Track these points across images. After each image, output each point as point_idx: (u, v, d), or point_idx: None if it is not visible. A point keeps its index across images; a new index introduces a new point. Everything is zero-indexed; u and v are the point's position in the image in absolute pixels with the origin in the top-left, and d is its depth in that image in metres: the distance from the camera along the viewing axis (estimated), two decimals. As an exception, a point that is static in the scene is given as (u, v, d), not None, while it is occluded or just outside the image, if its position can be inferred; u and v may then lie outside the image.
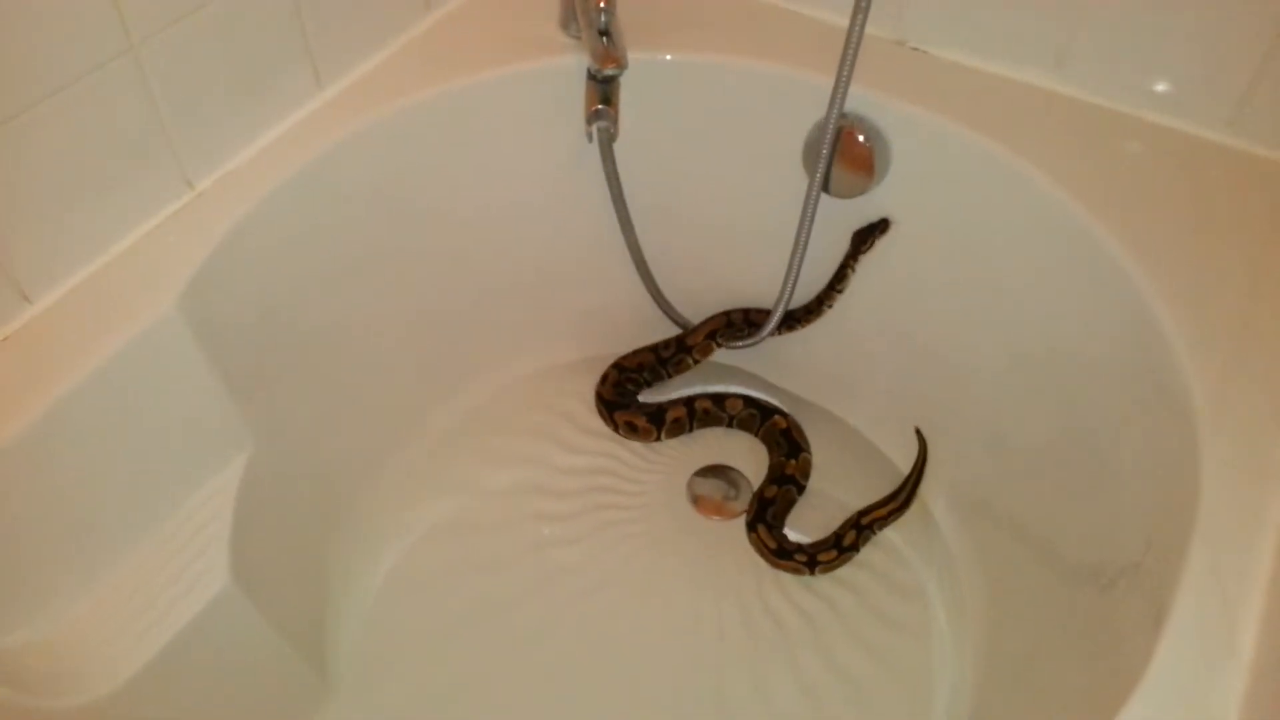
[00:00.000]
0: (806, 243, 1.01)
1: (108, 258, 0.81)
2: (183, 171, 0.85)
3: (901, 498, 1.11)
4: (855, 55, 0.89)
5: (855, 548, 1.09)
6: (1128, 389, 0.85)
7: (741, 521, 1.14)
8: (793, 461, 1.14)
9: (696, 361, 1.21)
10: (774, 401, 1.22)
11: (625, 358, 1.23)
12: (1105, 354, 0.88)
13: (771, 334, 1.10)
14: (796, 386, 1.25)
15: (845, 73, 0.90)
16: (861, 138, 1.00)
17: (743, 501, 1.16)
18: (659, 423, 1.19)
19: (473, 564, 1.10)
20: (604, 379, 1.22)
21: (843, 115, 1.01)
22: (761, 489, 1.13)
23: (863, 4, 0.86)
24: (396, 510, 1.13)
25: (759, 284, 1.15)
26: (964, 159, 0.97)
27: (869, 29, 1.05)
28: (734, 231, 1.16)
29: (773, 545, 1.08)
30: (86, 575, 0.79)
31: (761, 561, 1.10)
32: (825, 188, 1.06)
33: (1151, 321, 0.81)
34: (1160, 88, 0.96)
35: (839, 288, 1.09)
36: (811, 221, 1.00)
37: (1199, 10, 0.89)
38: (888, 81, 0.98)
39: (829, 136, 0.94)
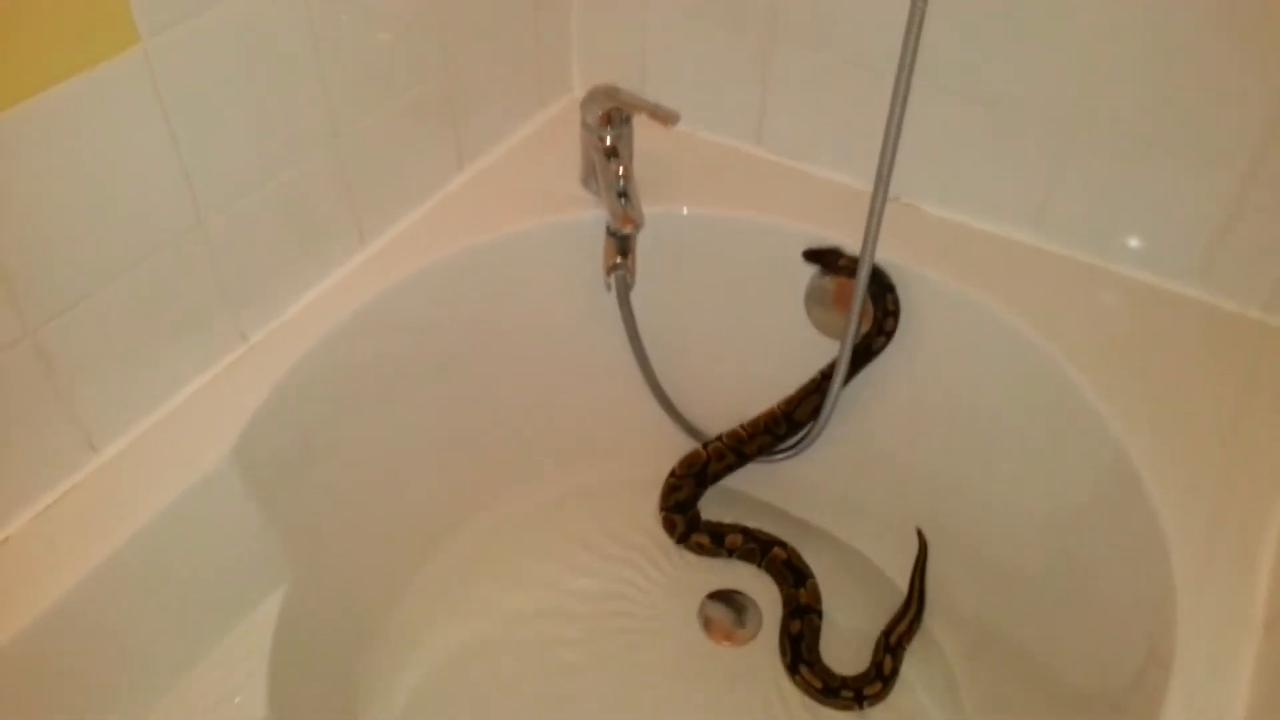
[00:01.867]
0: (842, 385, 1.08)
1: (168, 408, 0.88)
2: (238, 326, 0.93)
3: (914, 604, 1.15)
4: (879, 223, 0.97)
5: (896, 672, 1.12)
6: (1110, 531, 0.91)
7: (752, 647, 1.18)
8: (803, 590, 1.19)
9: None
10: (770, 533, 1.26)
11: (747, 443, 1.21)
12: (1087, 497, 0.94)
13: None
14: (799, 510, 1.31)
15: (871, 239, 0.97)
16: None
17: (752, 627, 1.20)
18: (682, 534, 1.25)
19: (490, 690, 1.14)
20: (721, 458, 1.23)
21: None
22: (785, 626, 1.17)
23: (884, 178, 0.94)
24: (419, 635, 1.17)
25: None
26: (954, 308, 1.04)
27: (863, 186, 1.16)
28: (744, 365, 1.23)
29: (819, 685, 1.11)
30: (134, 711, 0.83)
31: (770, 690, 1.13)
32: (824, 330, 1.15)
33: (1129, 472, 0.87)
34: (1133, 243, 1.04)
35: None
36: (848, 365, 1.06)
37: (1167, 169, 0.98)
38: (882, 234, 1.06)
39: (859, 294, 1.01)
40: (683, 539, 1.26)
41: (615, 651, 1.18)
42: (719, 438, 1.23)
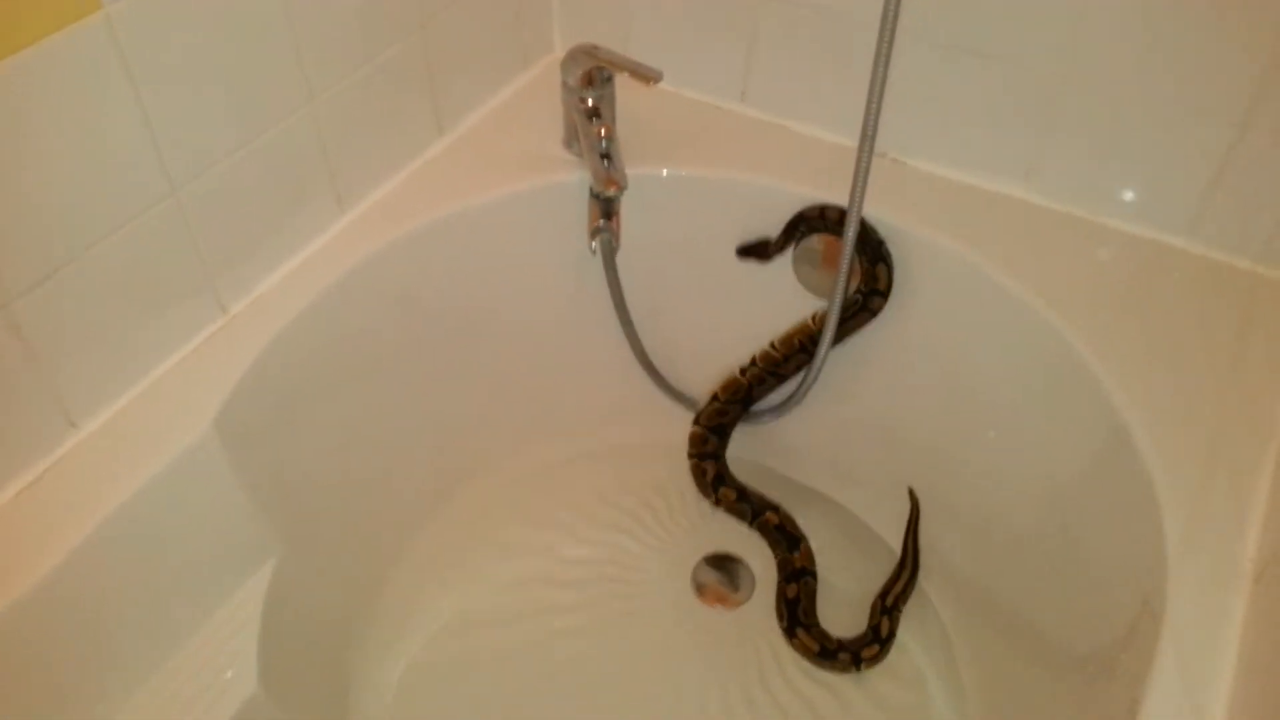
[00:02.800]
0: (830, 345, 1.07)
1: (148, 382, 0.87)
2: (217, 297, 0.91)
3: (909, 565, 1.15)
4: (865, 182, 0.95)
5: (893, 634, 1.12)
6: (1102, 487, 0.90)
7: (745, 609, 1.18)
8: (796, 554, 1.19)
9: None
10: (765, 495, 1.25)
11: (784, 364, 1.15)
12: (1079, 453, 0.94)
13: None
14: (793, 472, 1.30)
15: (858, 196, 0.95)
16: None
17: (745, 590, 1.20)
18: (705, 453, 1.24)
19: (485, 659, 1.14)
20: (762, 382, 1.18)
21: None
22: (781, 591, 1.17)
23: (869, 135, 0.92)
24: (412, 606, 1.17)
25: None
26: (943, 263, 1.03)
27: (849, 142, 1.14)
28: (731, 327, 1.22)
29: (815, 648, 1.11)
30: (123, 687, 0.83)
31: (765, 652, 1.14)
32: (812, 289, 1.14)
33: (1121, 427, 0.86)
34: (1124, 196, 1.03)
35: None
36: (836, 327, 1.05)
37: (1156, 123, 0.97)
38: (870, 191, 1.05)
39: (847, 253, 0.99)
40: (701, 457, 1.23)
41: (609, 617, 1.18)
42: (754, 361, 1.17)
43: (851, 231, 0.98)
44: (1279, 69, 0.88)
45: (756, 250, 1.12)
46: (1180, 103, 0.94)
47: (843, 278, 1.01)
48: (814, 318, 1.13)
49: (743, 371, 1.19)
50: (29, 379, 0.77)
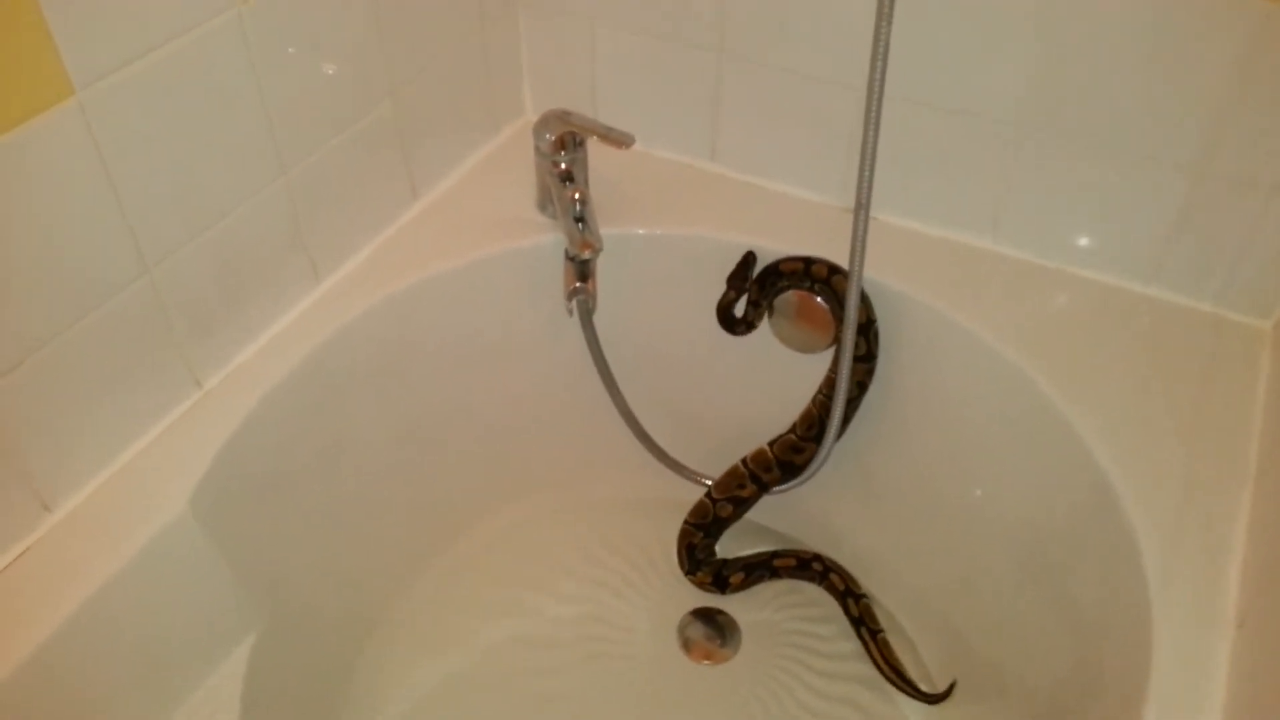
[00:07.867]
0: (846, 407, 1.04)
1: (123, 461, 0.86)
2: (191, 373, 0.91)
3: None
4: (864, 247, 0.93)
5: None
6: (1081, 537, 0.91)
7: (733, 664, 1.17)
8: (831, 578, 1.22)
9: None
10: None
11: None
12: (1056, 501, 0.95)
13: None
14: (769, 520, 1.30)
15: (858, 263, 0.94)
16: (819, 299, 1.08)
17: (733, 644, 1.20)
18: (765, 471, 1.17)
19: (472, 725, 1.12)
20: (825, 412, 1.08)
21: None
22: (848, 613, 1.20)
23: (863, 203, 0.91)
24: (396, 674, 1.15)
25: (741, 427, 1.20)
26: (913, 314, 1.05)
27: (819, 198, 1.16)
28: (711, 383, 1.23)
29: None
30: (103, 775, 0.81)
31: (754, 705, 1.13)
32: (789, 343, 1.15)
33: (1098, 474, 0.87)
34: (1088, 244, 1.05)
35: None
36: (847, 384, 1.02)
37: (1117, 173, 0.99)
38: (842, 246, 1.07)
39: (852, 313, 0.96)
40: (754, 481, 1.16)
41: (596, 677, 1.17)
42: (821, 390, 1.09)
43: (854, 297, 0.96)
44: (1229, 119, 0.91)
45: (731, 320, 1.12)
46: (1139, 152, 0.97)
47: (849, 340, 0.99)
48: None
49: (814, 401, 1.11)
50: (2, 463, 0.76)
